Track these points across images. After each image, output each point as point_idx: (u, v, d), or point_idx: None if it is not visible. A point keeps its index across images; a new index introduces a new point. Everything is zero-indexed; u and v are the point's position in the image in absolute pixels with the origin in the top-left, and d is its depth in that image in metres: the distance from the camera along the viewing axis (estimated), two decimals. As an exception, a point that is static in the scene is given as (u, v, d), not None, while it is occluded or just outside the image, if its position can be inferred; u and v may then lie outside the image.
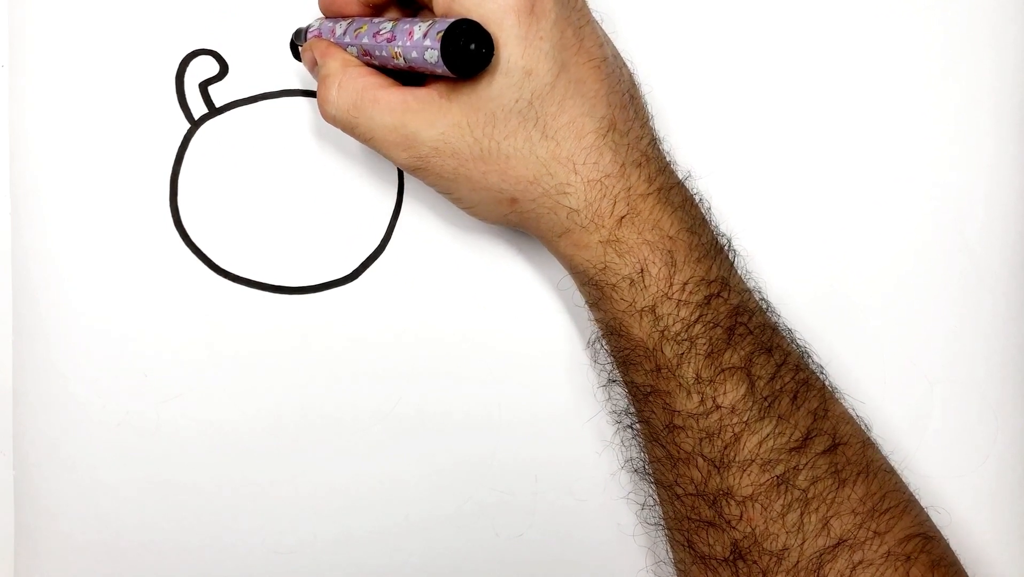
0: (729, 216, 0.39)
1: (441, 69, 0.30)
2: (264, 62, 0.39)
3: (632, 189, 0.33)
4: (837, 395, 0.35)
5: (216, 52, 0.39)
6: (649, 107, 0.36)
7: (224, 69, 0.39)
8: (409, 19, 0.33)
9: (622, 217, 0.33)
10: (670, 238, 0.33)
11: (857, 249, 0.40)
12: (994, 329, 0.40)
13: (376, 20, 0.34)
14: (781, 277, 0.39)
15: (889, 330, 0.40)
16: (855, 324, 0.40)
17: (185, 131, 0.39)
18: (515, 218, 0.35)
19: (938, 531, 0.34)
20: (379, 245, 0.39)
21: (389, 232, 0.39)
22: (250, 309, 0.39)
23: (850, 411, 0.35)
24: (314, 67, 0.36)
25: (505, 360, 0.40)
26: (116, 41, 0.39)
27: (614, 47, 0.35)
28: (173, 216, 0.39)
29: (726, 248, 0.35)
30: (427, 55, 0.31)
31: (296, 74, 0.39)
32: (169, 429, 0.39)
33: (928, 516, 0.34)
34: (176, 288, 0.39)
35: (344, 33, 0.35)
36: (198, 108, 0.39)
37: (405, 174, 0.39)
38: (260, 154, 0.39)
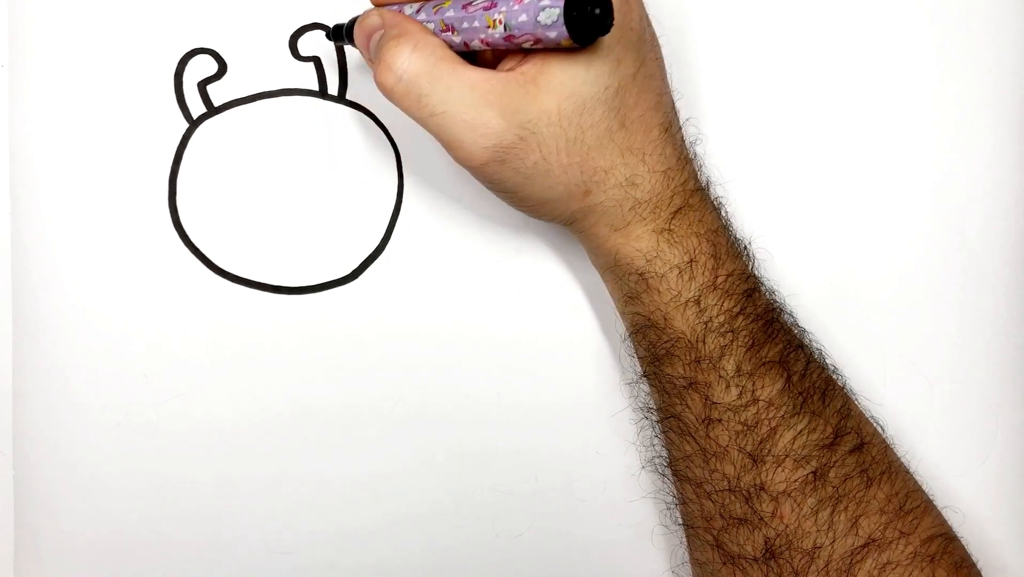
0: (730, 210, 0.39)
1: (556, 32, 0.28)
2: (263, 61, 0.39)
3: (686, 183, 0.34)
4: (853, 396, 0.36)
5: (215, 51, 0.39)
6: None
7: (223, 68, 0.39)
8: None
9: (678, 209, 0.33)
10: (714, 231, 0.34)
11: (857, 249, 0.40)
12: (994, 329, 0.40)
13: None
14: (781, 277, 0.39)
15: (889, 330, 0.40)
16: (855, 324, 0.40)
17: (184, 130, 0.39)
18: (580, 214, 0.34)
19: (954, 532, 0.34)
20: (379, 245, 0.39)
21: (389, 232, 0.39)
22: (250, 309, 0.39)
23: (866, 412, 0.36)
24: (370, 39, 0.33)
25: (505, 359, 0.40)
26: (115, 40, 0.39)
27: None
28: (172, 216, 0.39)
29: (749, 248, 0.36)
30: (542, 16, 0.28)
31: (295, 73, 0.39)
32: (169, 429, 0.39)
33: (944, 517, 0.34)
34: (175, 288, 0.39)
35: (419, 11, 0.32)
36: (197, 107, 0.39)
37: (405, 174, 0.39)
38: (259, 154, 0.39)
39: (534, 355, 0.40)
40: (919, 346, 0.40)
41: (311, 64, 0.39)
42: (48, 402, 0.39)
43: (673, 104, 0.35)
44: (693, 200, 0.34)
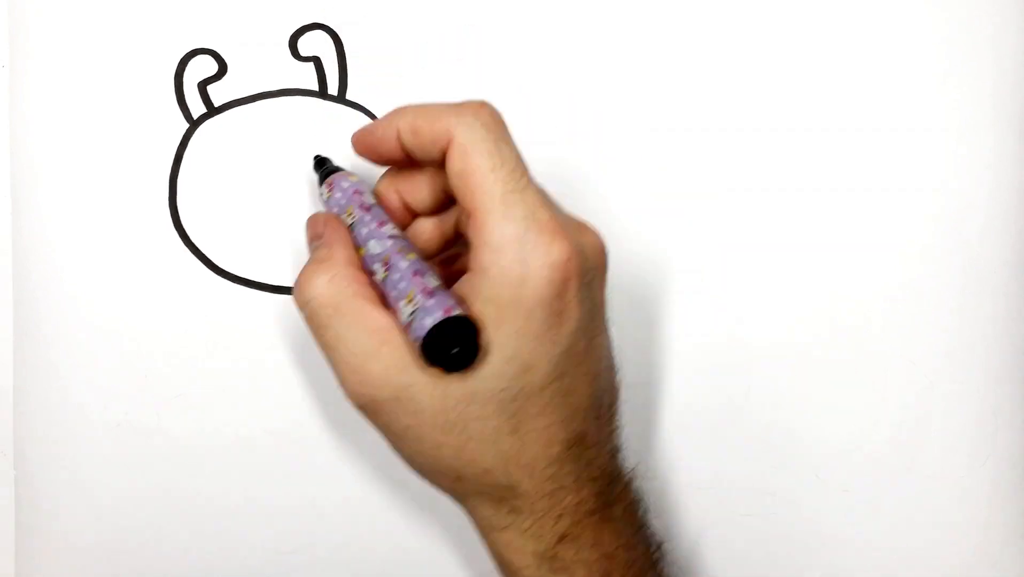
0: (729, 214, 0.39)
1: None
2: (263, 61, 0.39)
3: (581, 505, 0.31)
4: None
5: (215, 51, 0.39)
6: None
7: (223, 68, 0.39)
8: (421, 269, 0.30)
9: (564, 535, 0.31)
10: (607, 556, 0.31)
11: (857, 249, 0.40)
12: (994, 329, 0.40)
13: (395, 242, 0.31)
14: (781, 277, 0.39)
15: (889, 330, 0.40)
16: (855, 324, 0.40)
17: (184, 131, 0.39)
18: (454, 495, 0.32)
19: None
20: (379, 245, 0.39)
21: (389, 232, 0.39)
22: (250, 309, 0.39)
23: None
24: (314, 239, 0.34)
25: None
26: (115, 41, 0.39)
27: (612, 353, 0.33)
28: (172, 216, 0.39)
29: (658, 554, 0.34)
30: (412, 331, 0.29)
31: (296, 74, 0.39)
32: (169, 429, 0.39)
33: None
34: (176, 288, 0.39)
35: (368, 223, 0.33)
36: (197, 108, 0.39)
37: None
38: (259, 154, 0.39)
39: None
40: (919, 346, 0.40)
41: (311, 64, 0.39)
42: (48, 402, 0.39)
43: (600, 417, 0.32)
44: (587, 522, 0.31)
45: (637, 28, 0.39)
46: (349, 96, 0.39)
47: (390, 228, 0.32)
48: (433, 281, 0.30)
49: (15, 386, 0.39)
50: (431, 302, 0.28)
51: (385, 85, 0.39)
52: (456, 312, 0.28)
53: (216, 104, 0.39)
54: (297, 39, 0.39)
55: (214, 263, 0.39)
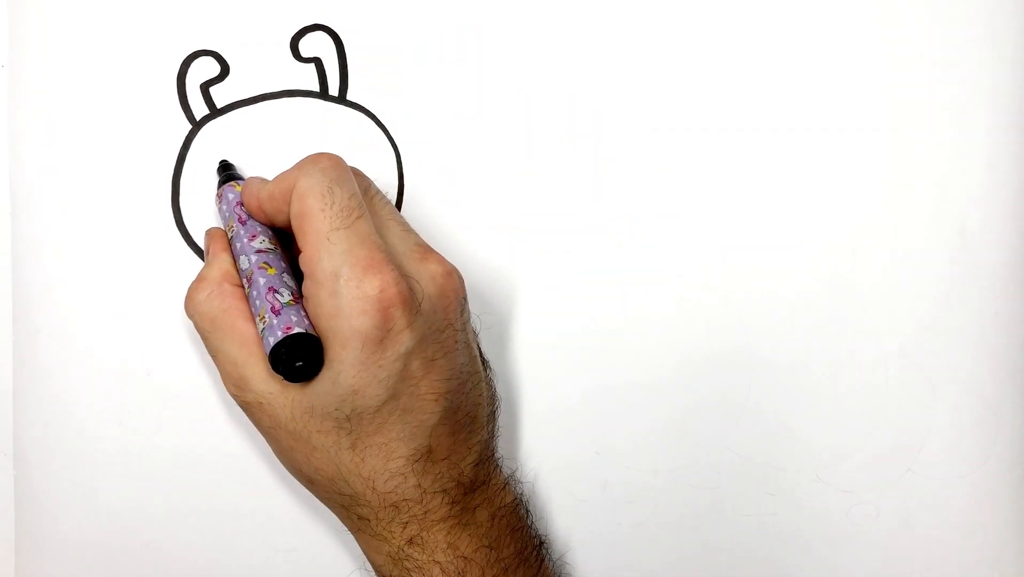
0: (729, 214, 0.39)
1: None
2: (265, 63, 0.39)
3: (429, 514, 0.33)
4: None
5: (217, 53, 0.39)
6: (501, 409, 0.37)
7: (225, 70, 0.39)
8: (276, 285, 0.33)
9: (411, 538, 0.33)
10: (464, 558, 0.33)
11: (857, 249, 0.40)
12: (994, 329, 0.40)
13: (259, 256, 0.34)
14: (782, 277, 0.39)
15: (889, 330, 0.40)
16: (855, 324, 0.40)
17: (187, 132, 0.39)
18: (313, 494, 0.35)
19: None
20: (379, 245, 0.39)
21: (389, 232, 0.39)
22: (251, 309, 0.39)
23: None
24: (206, 253, 0.37)
25: (503, 360, 0.40)
26: (117, 42, 0.39)
27: (476, 369, 0.35)
28: (175, 217, 0.39)
29: (534, 554, 0.35)
30: (265, 341, 0.31)
31: (297, 75, 0.39)
32: (170, 429, 0.39)
33: None
34: (178, 288, 0.39)
35: (241, 237, 0.35)
36: (199, 109, 0.39)
37: (405, 174, 0.40)
38: (262, 155, 0.39)
39: (534, 356, 0.40)
40: (919, 346, 0.40)
41: (312, 65, 0.39)
42: (48, 402, 0.39)
43: (454, 431, 0.33)
44: (438, 528, 0.33)
45: (637, 28, 0.39)
46: (350, 97, 0.39)
47: (259, 241, 0.34)
48: (284, 297, 0.32)
49: (15, 386, 0.39)
50: (276, 320, 0.31)
51: (385, 86, 0.39)
52: (296, 330, 0.31)
53: (219, 105, 0.39)
54: (298, 40, 0.39)
55: (215, 263, 0.39)
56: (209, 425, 0.39)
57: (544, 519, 0.40)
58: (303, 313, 0.32)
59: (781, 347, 0.40)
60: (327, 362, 0.31)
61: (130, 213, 0.39)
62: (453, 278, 0.33)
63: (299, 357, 0.31)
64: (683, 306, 0.40)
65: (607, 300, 0.40)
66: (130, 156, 0.39)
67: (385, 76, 0.39)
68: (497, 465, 0.36)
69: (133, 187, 0.39)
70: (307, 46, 0.39)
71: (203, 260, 0.39)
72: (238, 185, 0.37)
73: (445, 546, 0.33)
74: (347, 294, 0.30)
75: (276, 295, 0.32)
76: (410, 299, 0.31)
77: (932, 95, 0.40)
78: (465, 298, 0.34)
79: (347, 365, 0.31)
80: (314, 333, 0.31)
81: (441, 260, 0.33)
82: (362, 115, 0.39)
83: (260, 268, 0.33)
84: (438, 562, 0.33)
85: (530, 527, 0.36)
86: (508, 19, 0.39)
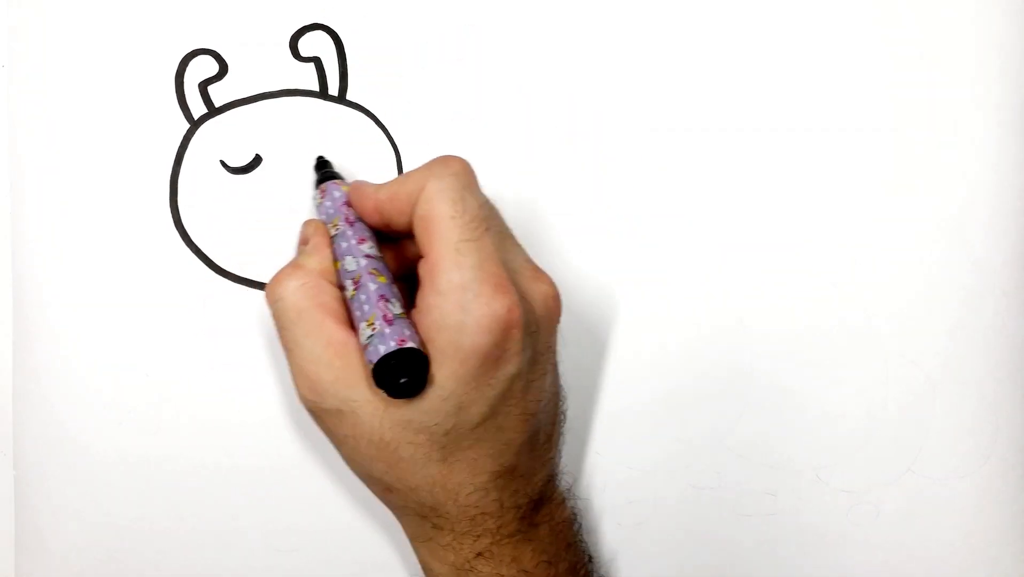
0: (729, 213, 0.39)
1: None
2: (264, 62, 0.39)
3: (502, 528, 0.33)
4: None
5: (215, 52, 0.39)
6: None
7: (223, 69, 0.39)
8: (388, 294, 0.31)
9: (480, 552, 0.33)
10: (525, 572, 0.33)
11: (857, 249, 0.40)
12: (994, 329, 0.40)
13: (369, 262, 0.33)
14: (782, 276, 0.39)
15: (889, 330, 0.40)
16: (855, 324, 0.40)
17: (185, 131, 0.39)
18: (383, 501, 0.35)
19: None
20: (379, 245, 0.39)
21: (389, 232, 0.39)
22: (250, 309, 0.39)
23: None
24: (302, 243, 0.36)
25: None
26: (115, 41, 0.39)
27: (557, 388, 0.35)
28: (173, 216, 0.39)
29: (583, 571, 0.36)
30: (367, 352, 0.30)
31: (296, 74, 0.39)
32: (170, 429, 0.39)
33: None
34: (177, 288, 0.39)
35: (349, 238, 0.34)
36: (198, 108, 0.39)
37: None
38: (260, 154, 0.39)
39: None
40: (919, 346, 0.40)
41: (311, 64, 0.39)
42: (48, 402, 0.39)
43: (534, 448, 0.33)
44: (507, 542, 0.33)
45: (637, 28, 0.39)
46: (350, 96, 0.39)
47: (368, 246, 0.33)
48: (396, 308, 0.31)
49: (15, 386, 0.39)
50: (389, 330, 0.30)
51: (385, 85, 0.39)
52: (410, 344, 0.30)
53: (217, 104, 0.39)
54: (298, 39, 0.39)
55: (215, 263, 0.39)
56: (209, 425, 0.39)
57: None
58: (414, 329, 0.31)
59: (781, 347, 0.40)
60: (435, 378, 0.30)
61: (129, 212, 0.39)
62: (559, 301, 0.33)
63: (405, 372, 0.29)
64: (683, 306, 0.40)
65: (607, 300, 0.40)
66: (128, 155, 0.39)
67: (385, 76, 0.39)
68: (559, 481, 0.36)
69: (131, 186, 0.39)
70: (306, 45, 0.39)
71: (203, 260, 0.39)
72: (345, 185, 0.36)
73: (510, 560, 0.33)
74: (476, 311, 0.29)
75: (388, 305, 0.31)
76: (528, 322, 0.31)
77: (932, 95, 0.40)
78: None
79: (461, 382, 0.30)
80: (424, 351, 0.30)
81: (550, 281, 0.33)
82: (362, 115, 0.39)
83: (370, 274, 0.32)
84: (502, 575, 0.33)
85: (582, 542, 0.36)
86: (508, 19, 0.39)
